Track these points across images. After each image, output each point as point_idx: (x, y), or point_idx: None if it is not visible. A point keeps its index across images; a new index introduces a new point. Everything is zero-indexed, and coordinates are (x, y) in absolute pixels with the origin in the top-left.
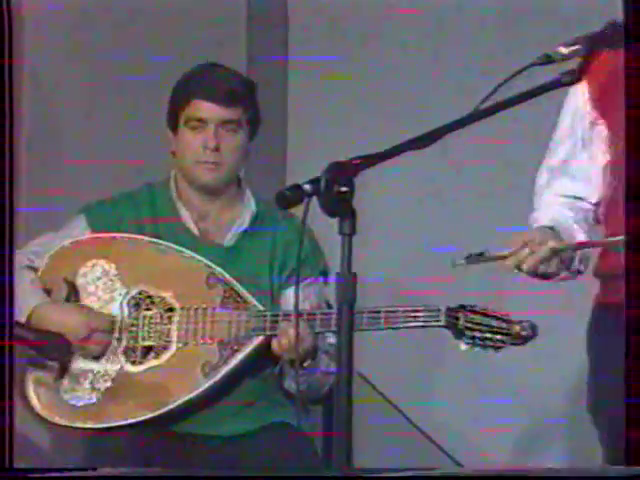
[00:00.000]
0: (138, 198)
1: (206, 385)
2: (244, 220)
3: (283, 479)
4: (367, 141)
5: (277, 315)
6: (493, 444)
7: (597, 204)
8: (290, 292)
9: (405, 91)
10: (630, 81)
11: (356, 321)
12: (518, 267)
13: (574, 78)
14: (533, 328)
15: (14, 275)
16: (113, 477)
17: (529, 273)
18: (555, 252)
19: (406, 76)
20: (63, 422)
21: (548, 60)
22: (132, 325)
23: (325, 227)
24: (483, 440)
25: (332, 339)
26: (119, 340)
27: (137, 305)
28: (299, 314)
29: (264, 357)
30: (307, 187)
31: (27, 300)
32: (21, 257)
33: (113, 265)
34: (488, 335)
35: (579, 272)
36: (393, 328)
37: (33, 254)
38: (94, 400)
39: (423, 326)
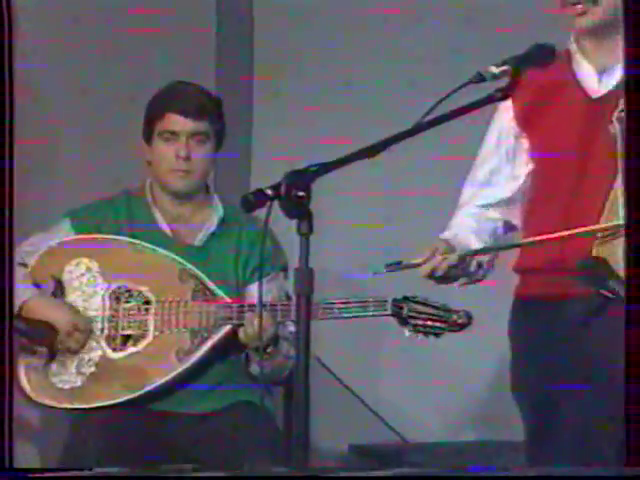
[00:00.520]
0: (117, 203)
1: (180, 369)
2: (212, 222)
3: (282, 479)
4: (322, 151)
5: (243, 306)
6: (432, 419)
7: (512, 207)
8: (254, 286)
9: (363, 103)
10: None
11: (313, 311)
12: (431, 273)
13: (504, 94)
14: (468, 317)
15: (14, 286)
16: (113, 477)
17: (440, 278)
18: (462, 259)
19: (365, 90)
20: (52, 403)
21: (481, 79)
22: (113, 316)
23: (285, 227)
24: (423, 416)
25: (292, 327)
26: (102, 330)
27: (117, 298)
28: (262, 305)
29: (231, 344)
30: (269, 192)
31: (19, 294)
32: (15, 254)
33: (95, 263)
34: (429, 323)
35: (479, 277)
36: (346, 317)
37: (25, 253)
38: (79, 383)
39: (372, 315)
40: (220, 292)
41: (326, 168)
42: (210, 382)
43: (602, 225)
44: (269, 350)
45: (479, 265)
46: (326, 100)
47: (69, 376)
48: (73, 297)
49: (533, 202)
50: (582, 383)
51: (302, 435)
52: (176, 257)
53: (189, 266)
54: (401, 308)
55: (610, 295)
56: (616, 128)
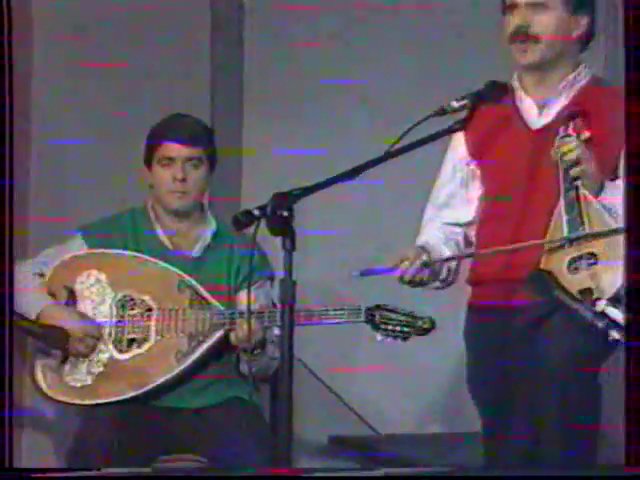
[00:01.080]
0: (123, 220)
1: (178, 369)
2: (207, 237)
3: (281, 478)
4: (305, 174)
5: (234, 313)
6: (402, 413)
7: (470, 227)
8: (243, 294)
9: (343, 132)
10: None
11: (295, 318)
12: (400, 278)
13: (461, 126)
14: (432, 322)
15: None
16: (113, 477)
17: (408, 283)
18: (426, 265)
19: (347, 119)
20: (65, 399)
21: (443, 112)
22: (119, 322)
23: (271, 243)
24: (394, 410)
25: (277, 332)
26: (109, 334)
27: (123, 306)
28: (251, 312)
29: (224, 346)
30: (256, 212)
31: (37, 301)
32: (33, 266)
33: (104, 274)
34: (398, 328)
35: (449, 282)
36: (325, 323)
37: (42, 264)
38: (90, 382)
39: (348, 321)
40: (214, 300)
41: (308, 191)
42: (205, 380)
43: (550, 239)
44: (257, 352)
45: (449, 271)
46: (306, 128)
47: (80, 375)
48: (84, 305)
49: (485, 222)
50: (529, 383)
51: (286, 427)
52: (175, 269)
53: (186, 277)
54: (373, 315)
55: (555, 303)
56: (558, 153)
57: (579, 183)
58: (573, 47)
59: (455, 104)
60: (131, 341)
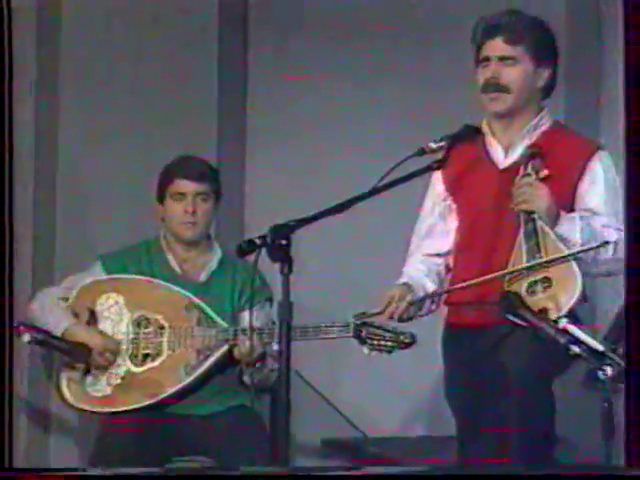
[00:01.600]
0: (139, 249)
1: (187, 380)
2: (213, 264)
3: (280, 478)
4: (303, 205)
5: (237, 330)
6: (388, 418)
7: (449, 256)
8: (246, 314)
9: (341, 169)
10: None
11: (292, 334)
12: (390, 317)
13: (439, 165)
14: (413, 337)
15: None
16: (113, 477)
17: (399, 319)
18: (411, 303)
19: (342, 155)
20: (87, 408)
21: (422, 152)
22: (135, 339)
23: (271, 268)
24: (381, 415)
25: (276, 347)
26: (126, 350)
27: (138, 325)
28: (252, 330)
29: (228, 360)
30: (257, 241)
31: (62, 321)
32: (58, 291)
33: (122, 297)
34: (382, 342)
35: (432, 310)
36: (317, 338)
37: (66, 289)
38: (109, 392)
39: (338, 337)
40: (219, 319)
41: (303, 222)
42: (211, 390)
43: (511, 269)
44: (258, 365)
45: (432, 302)
46: (303, 165)
47: (101, 386)
48: (104, 324)
49: (461, 252)
50: (497, 392)
51: (284, 431)
52: (184, 292)
53: (194, 299)
54: (361, 331)
55: (519, 321)
56: (515, 192)
57: (535, 216)
58: (537, 95)
59: (433, 145)
60: (146, 356)
